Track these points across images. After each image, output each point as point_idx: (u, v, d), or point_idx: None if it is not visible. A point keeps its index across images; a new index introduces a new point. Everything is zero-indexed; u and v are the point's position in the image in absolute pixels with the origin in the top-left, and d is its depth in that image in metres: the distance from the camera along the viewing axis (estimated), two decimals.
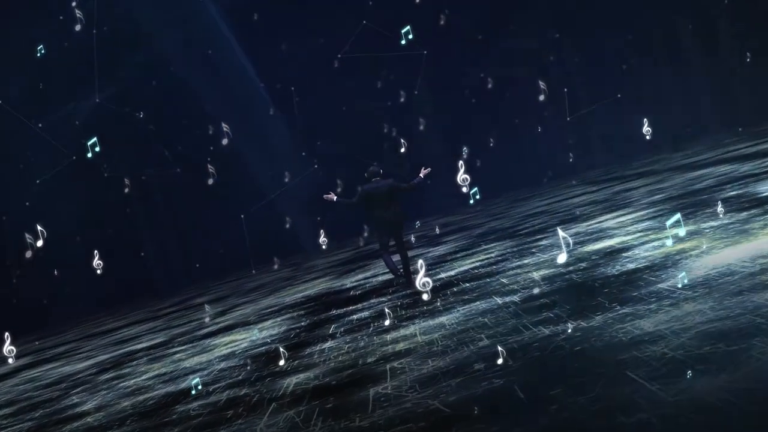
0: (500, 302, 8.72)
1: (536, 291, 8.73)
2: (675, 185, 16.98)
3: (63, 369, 14.88)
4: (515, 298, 8.71)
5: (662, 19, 37.31)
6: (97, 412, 9.10)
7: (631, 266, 8.56)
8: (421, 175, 12.66)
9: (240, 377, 8.67)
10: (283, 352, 9.38)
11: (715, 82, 37.80)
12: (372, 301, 12.02)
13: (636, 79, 37.32)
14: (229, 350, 11.02)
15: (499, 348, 6.52)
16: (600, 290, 7.75)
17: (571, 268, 9.64)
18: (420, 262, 7.93)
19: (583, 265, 9.56)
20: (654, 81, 36.84)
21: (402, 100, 35.68)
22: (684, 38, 37.89)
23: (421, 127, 36.34)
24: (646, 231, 10.99)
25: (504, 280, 10.21)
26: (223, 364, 9.90)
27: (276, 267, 23.67)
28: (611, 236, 11.55)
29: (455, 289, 10.67)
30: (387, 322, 9.54)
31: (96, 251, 15.85)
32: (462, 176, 9.97)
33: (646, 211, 13.41)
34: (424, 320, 8.92)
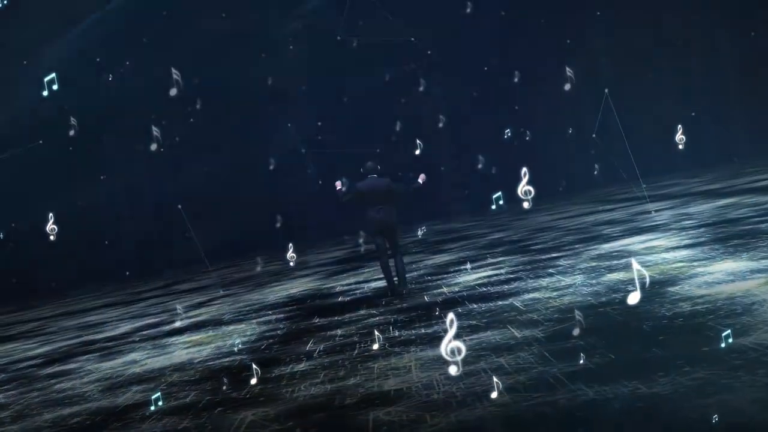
0: (518, 336, 6.81)
1: (564, 325, 6.84)
2: (702, 212, 15.08)
3: (13, 354, 12.99)
4: (537, 332, 6.81)
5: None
6: (13, 423, 7.21)
7: (686, 307, 6.65)
8: (420, 181, 10.92)
9: (187, 400, 6.77)
10: (248, 371, 7.48)
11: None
12: (361, 312, 10.11)
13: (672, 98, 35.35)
14: (189, 356, 9.12)
15: (525, 410, 4.63)
16: (653, 337, 5.85)
17: (603, 299, 7.74)
18: (450, 317, 6.02)
19: (618, 297, 7.66)
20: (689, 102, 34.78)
21: (421, 88, 33.73)
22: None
23: (441, 125, 34.33)
24: (691, 262, 9.07)
25: (519, 305, 8.31)
26: (175, 376, 8.00)
27: (259, 268, 21.71)
28: (645, 264, 9.64)
29: (460, 310, 8.76)
30: (375, 346, 7.64)
31: (51, 214, 13.80)
32: (524, 187, 8.02)
33: (680, 238, 11.50)
34: (422, 349, 7.03)
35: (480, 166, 31.62)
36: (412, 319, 8.75)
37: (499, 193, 10.61)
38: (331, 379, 6.49)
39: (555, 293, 8.67)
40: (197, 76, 29.89)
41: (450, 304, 9.39)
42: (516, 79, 33.13)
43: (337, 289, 13.70)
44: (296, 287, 15.63)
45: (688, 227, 12.72)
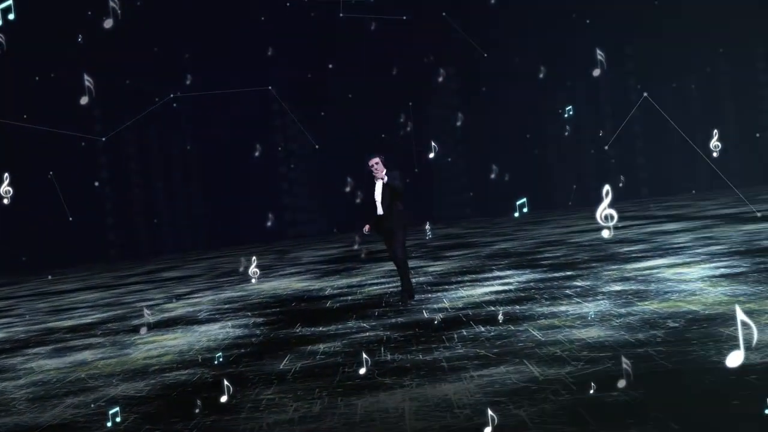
0: (539, 377, 5.34)
1: (598, 368, 5.37)
2: (727, 236, 13.61)
3: None
4: (564, 374, 5.34)
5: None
6: None
7: (755, 358, 5.17)
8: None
9: (120, 428, 5.30)
10: (205, 391, 6.02)
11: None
12: (350, 324, 8.63)
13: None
14: (146, 362, 7.66)
15: None
16: (722, 397, 4.38)
17: (640, 335, 6.27)
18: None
19: (659, 336, 6.19)
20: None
21: (441, 79, 32.29)
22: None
23: (459, 123, 32.82)
24: (737, 296, 7.60)
25: (536, 333, 6.84)
26: (121, 388, 6.53)
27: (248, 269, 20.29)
28: (678, 292, 8.17)
29: (465, 333, 7.29)
30: (363, 371, 6.18)
31: (6, 175, 12.21)
32: (605, 211, 6.51)
33: (713, 265, 10.03)
34: (418, 384, 5.55)
35: (493, 176, 30.13)
36: (408, 339, 7.28)
37: (524, 200, 9.15)
38: (302, 417, 5.01)
39: (578, 321, 7.19)
40: None
41: (453, 323, 7.91)
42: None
43: (327, 292, 12.23)
44: (284, 285, 14.16)
45: (718, 253, 11.25)
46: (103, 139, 26.36)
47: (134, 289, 17.55)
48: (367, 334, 7.85)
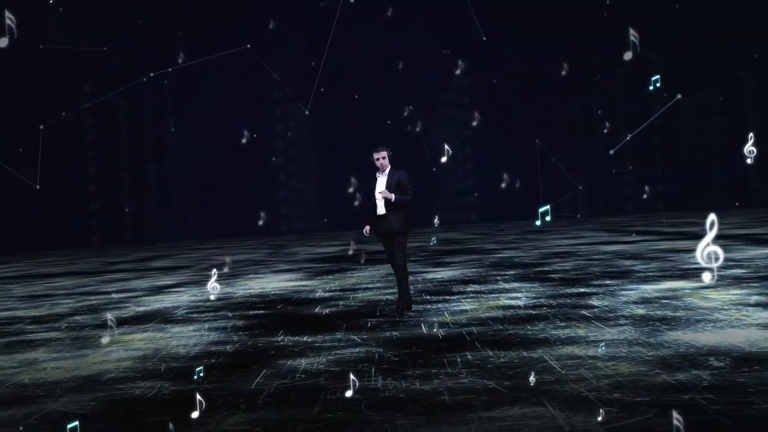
0: (564, 425, 4.25)
1: (637, 418, 4.27)
2: (751, 259, 12.52)
3: None
4: (594, 424, 4.24)
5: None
6: None
7: None
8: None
9: None
10: (156, 414, 4.93)
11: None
12: (339, 336, 7.54)
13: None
14: (102, 366, 6.57)
15: None
16: None
17: (680, 376, 5.17)
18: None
19: (705, 378, 5.10)
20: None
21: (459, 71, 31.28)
22: None
23: (475, 125, 31.81)
24: None
25: (554, 364, 5.74)
26: (61, 402, 5.44)
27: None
28: (712, 322, 7.08)
29: (470, 357, 6.19)
30: (348, 393, 5.11)
31: None
32: (708, 247, 5.33)
33: (743, 291, 8.93)
34: (413, 421, 4.46)
35: (503, 185, 29.07)
36: (404, 360, 6.19)
37: (547, 207, 8.08)
38: None
39: (602, 351, 6.10)
40: None
41: (456, 343, 6.82)
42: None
43: (318, 295, 11.15)
44: (273, 284, 13.07)
45: (745, 277, 10.15)
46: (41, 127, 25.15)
47: (117, 278, 16.46)
48: (357, 349, 6.76)
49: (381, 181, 8.59)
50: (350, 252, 16.55)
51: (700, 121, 32.66)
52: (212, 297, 7.63)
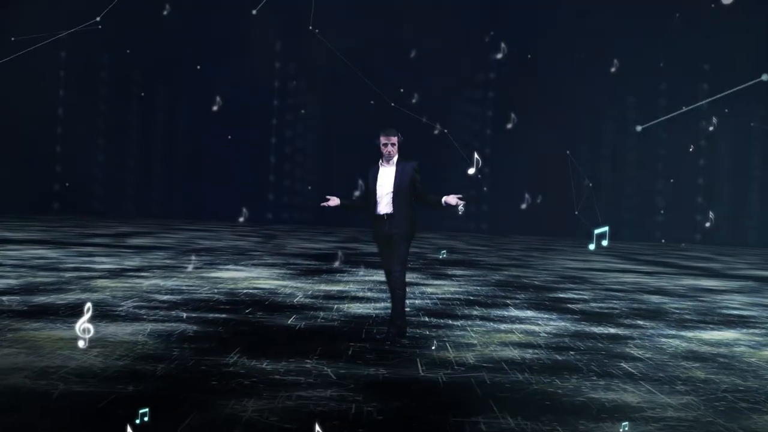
0: None
1: None
2: None
3: None
4: None
5: None
6: None
7: None
8: (452, 202, 6.41)
9: None
10: None
11: None
12: (307, 365, 5.65)
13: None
14: (23, 378, 4.71)
15: None
16: None
17: None
18: None
19: None
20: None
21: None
22: None
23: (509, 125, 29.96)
24: None
25: (594, 428, 3.87)
26: None
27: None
28: None
29: (483, 426, 4.31)
30: None
31: None
32: None
33: None
34: None
35: (524, 206, 27.20)
36: (391, 422, 4.31)
37: (606, 229, 6.26)
38: None
39: (663, 426, 4.23)
40: None
41: (462, 398, 4.93)
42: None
43: (296, 301, 9.26)
44: (247, 281, 11.18)
45: None
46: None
47: (83, 251, 14.59)
48: (329, 393, 4.88)
49: (386, 172, 6.74)
50: (337, 263, 14.66)
51: None
52: (81, 343, 5.72)
